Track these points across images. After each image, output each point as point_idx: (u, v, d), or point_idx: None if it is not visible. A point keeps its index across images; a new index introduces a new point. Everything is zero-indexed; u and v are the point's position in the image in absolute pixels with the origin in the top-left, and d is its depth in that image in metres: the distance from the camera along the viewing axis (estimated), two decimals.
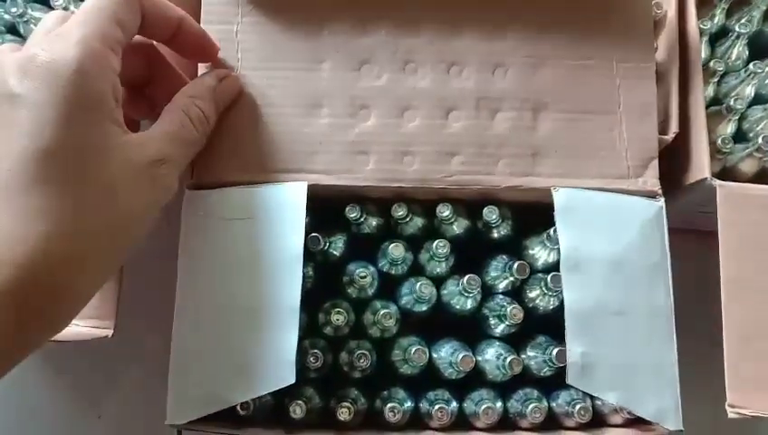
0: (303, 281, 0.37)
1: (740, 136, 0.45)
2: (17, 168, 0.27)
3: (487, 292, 0.40)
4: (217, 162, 0.38)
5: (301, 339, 0.38)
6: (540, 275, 0.39)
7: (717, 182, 0.40)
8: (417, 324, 0.40)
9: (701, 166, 0.41)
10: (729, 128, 0.44)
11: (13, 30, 0.46)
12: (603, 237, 0.37)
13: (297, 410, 0.36)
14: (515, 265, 0.38)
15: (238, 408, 0.36)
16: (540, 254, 0.40)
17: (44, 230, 0.26)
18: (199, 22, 0.38)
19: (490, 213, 0.39)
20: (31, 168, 0.27)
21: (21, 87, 0.27)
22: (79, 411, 0.53)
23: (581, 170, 0.39)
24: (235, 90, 0.38)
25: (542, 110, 0.39)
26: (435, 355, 0.39)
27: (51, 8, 0.45)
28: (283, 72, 0.38)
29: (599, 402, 0.38)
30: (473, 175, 0.39)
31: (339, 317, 0.38)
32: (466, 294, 0.39)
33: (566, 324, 0.36)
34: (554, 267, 0.40)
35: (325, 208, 0.40)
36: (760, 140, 0.42)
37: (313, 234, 0.38)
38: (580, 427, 0.38)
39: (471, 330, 0.41)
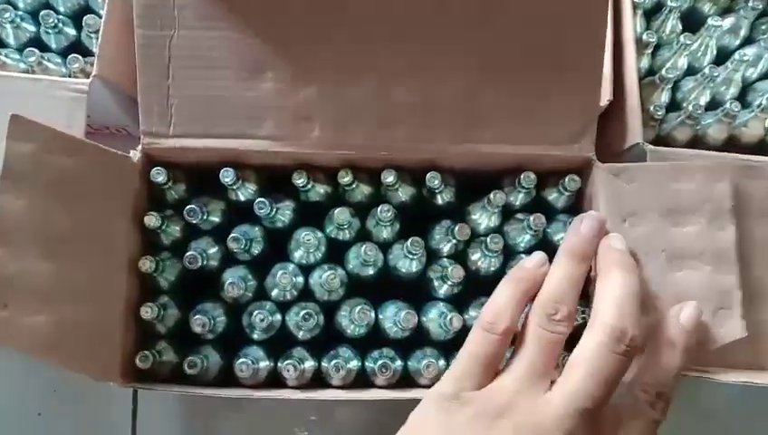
0: (252, 245, 0.38)
1: (674, 106, 0.47)
2: None
3: (432, 255, 0.42)
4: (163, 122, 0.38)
5: (249, 301, 0.40)
6: (481, 238, 0.41)
7: (649, 147, 0.42)
8: (364, 288, 0.41)
9: (634, 132, 0.43)
10: (663, 97, 0.46)
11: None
12: None
13: (243, 368, 0.37)
14: (456, 228, 0.39)
15: (185, 367, 0.37)
16: (481, 218, 0.41)
17: None
18: None
19: (432, 178, 0.40)
20: None
21: None
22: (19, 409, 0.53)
23: (521, 137, 0.40)
24: None
25: (483, 75, 0.40)
26: (381, 316, 0.40)
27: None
28: (223, 32, 0.38)
29: None
30: (415, 142, 0.40)
31: (285, 280, 0.39)
32: (411, 257, 0.40)
33: None
34: (495, 231, 0.41)
35: (272, 175, 0.41)
36: (691, 108, 0.44)
37: (260, 199, 0.39)
38: None
39: (417, 292, 0.42)
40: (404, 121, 0.40)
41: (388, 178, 0.40)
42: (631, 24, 0.46)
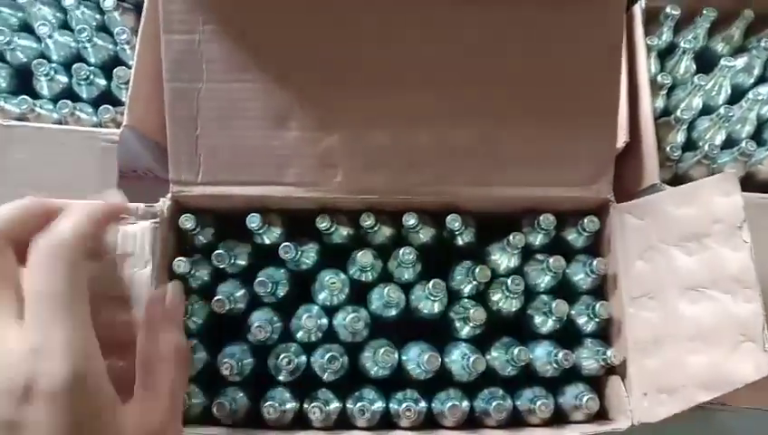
0: (277, 287, 0.39)
1: (690, 145, 0.48)
2: None
3: (453, 296, 0.42)
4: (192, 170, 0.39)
5: (275, 343, 0.40)
6: (502, 278, 0.41)
7: (666, 187, 0.42)
8: (387, 329, 0.42)
9: (651, 172, 0.43)
10: (679, 137, 0.47)
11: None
12: None
13: (270, 411, 0.37)
14: (477, 270, 0.40)
15: (214, 409, 0.37)
16: (501, 259, 0.42)
17: None
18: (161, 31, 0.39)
19: (453, 220, 0.41)
20: None
21: (18, 414, 0.27)
22: None
23: (539, 179, 0.41)
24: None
25: (499, 120, 0.41)
26: (404, 357, 0.41)
27: (36, 36, 0.48)
28: (249, 84, 0.39)
29: (561, 400, 0.40)
30: (435, 186, 0.41)
31: (310, 323, 0.39)
32: (433, 298, 0.41)
33: None
34: (515, 272, 0.42)
35: (296, 218, 0.42)
36: (707, 148, 0.45)
37: (285, 243, 0.40)
38: (542, 423, 0.40)
39: (439, 333, 0.42)
40: (423, 166, 0.41)
41: (410, 220, 0.41)
42: (645, 66, 0.47)
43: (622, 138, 0.44)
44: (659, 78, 0.48)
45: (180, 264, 0.39)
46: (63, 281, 0.28)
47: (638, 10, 0.49)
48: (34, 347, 0.27)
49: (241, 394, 0.39)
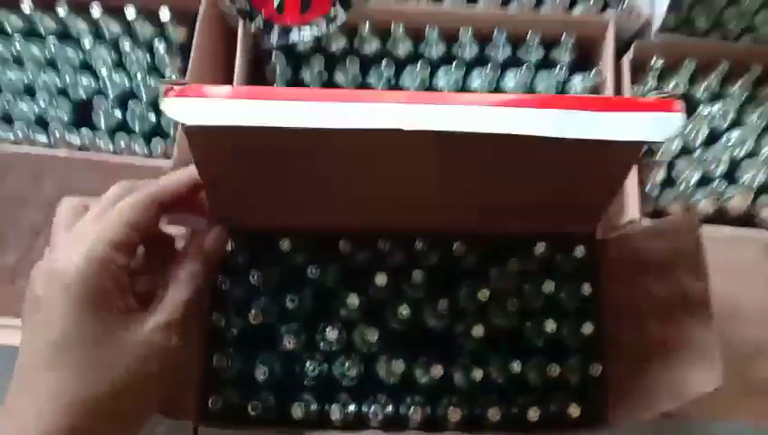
0: (304, 303, 0.45)
1: (670, 182, 0.54)
2: (35, 357, 0.33)
3: (458, 314, 0.48)
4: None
5: (302, 352, 0.47)
6: (500, 299, 0.47)
7: (646, 221, 0.49)
8: (398, 342, 0.48)
9: (633, 208, 0.50)
10: (659, 175, 0.53)
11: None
12: None
13: (298, 411, 0.44)
14: (479, 292, 0.46)
15: (249, 409, 0.44)
16: (500, 282, 0.48)
17: (56, 407, 0.32)
18: None
19: (457, 247, 0.47)
20: (45, 356, 0.33)
21: (41, 291, 0.34)
22: None
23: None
24: (223, 248, 0.43)
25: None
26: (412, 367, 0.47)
27: (96, 75, 0.54)
28: None
29: (550, 407, 0.46)
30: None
31: (332, 335, 0.46)
32: (439, 316, 0.47)
33: None
34: (512, 294, 0.48)
35: (322, 240, 0.48)
36: (683, 186, 0.51)
37: (312, 264, 0.46)
38: (533, 427, 0.46)
39: (445, 346, 0.49)
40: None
41: (419, 245, 0.47)
42: None
43: None
44: None
45: (221, 282, 0.46)
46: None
47: (626, 61, 0.56)
48: (73, 236, 0.35)
49: (272, 397, 0.46)
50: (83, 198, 0.38)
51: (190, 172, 0.38)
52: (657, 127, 0.32)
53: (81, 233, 0.35)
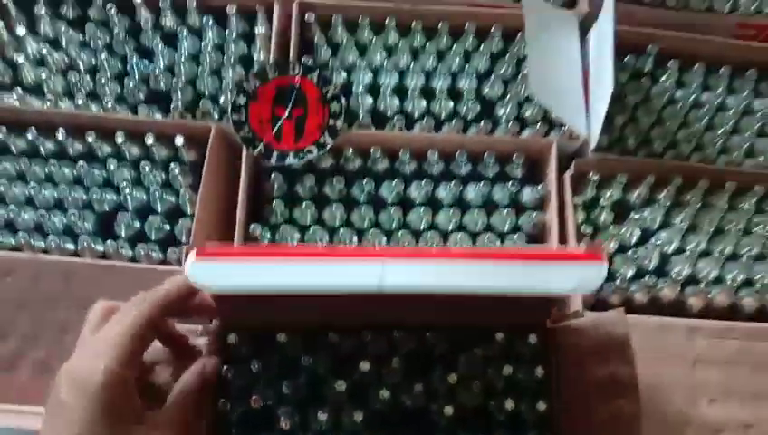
0: (298, 390, 0.52)
1: (609, 277, 0.63)
2: None
3: (432, 395, 0.56)
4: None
5: (296, 431, 0.54)
6: (467, 382, 0.55)
7: (587, 313, 0.57)
8: (380, 423, 0.55)
9: (576, 302, 0.58)
10: None
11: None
12: None
13: None
14: (449, 376, 0.54)
15: None
16: (467, 368, 0.56)
17: None
18: None
19: (430, 337, 0.56)
20: None
21: (64, 395, 0.39)
22: None
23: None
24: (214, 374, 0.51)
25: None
26: None
27: (117, 190, 0.63)
28: None
29: None
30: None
31: (322, 417, 0.53)
32: (416, 398, 0.54)
33: None
34: (475, 377, 0.56)
35: (310, 335, 0.56)
36: (619, 281, 0.60)
37: (304, 356, 0.54)
38: None
39: (422, 424, 0.56)
40: None
41: (397, 336, 0.56)
42: (573, 220, 0.63)
43: None
44: (582, 228, 0.64)
45: (226, 371, 0.53)
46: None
47: (567, 176, 0.66)
48: (96, 341, 0.41)
49: None
50: (112, 302, 0.46)
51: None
52: (585, 279, 0.41)
53: (104, 340, 0.41)
